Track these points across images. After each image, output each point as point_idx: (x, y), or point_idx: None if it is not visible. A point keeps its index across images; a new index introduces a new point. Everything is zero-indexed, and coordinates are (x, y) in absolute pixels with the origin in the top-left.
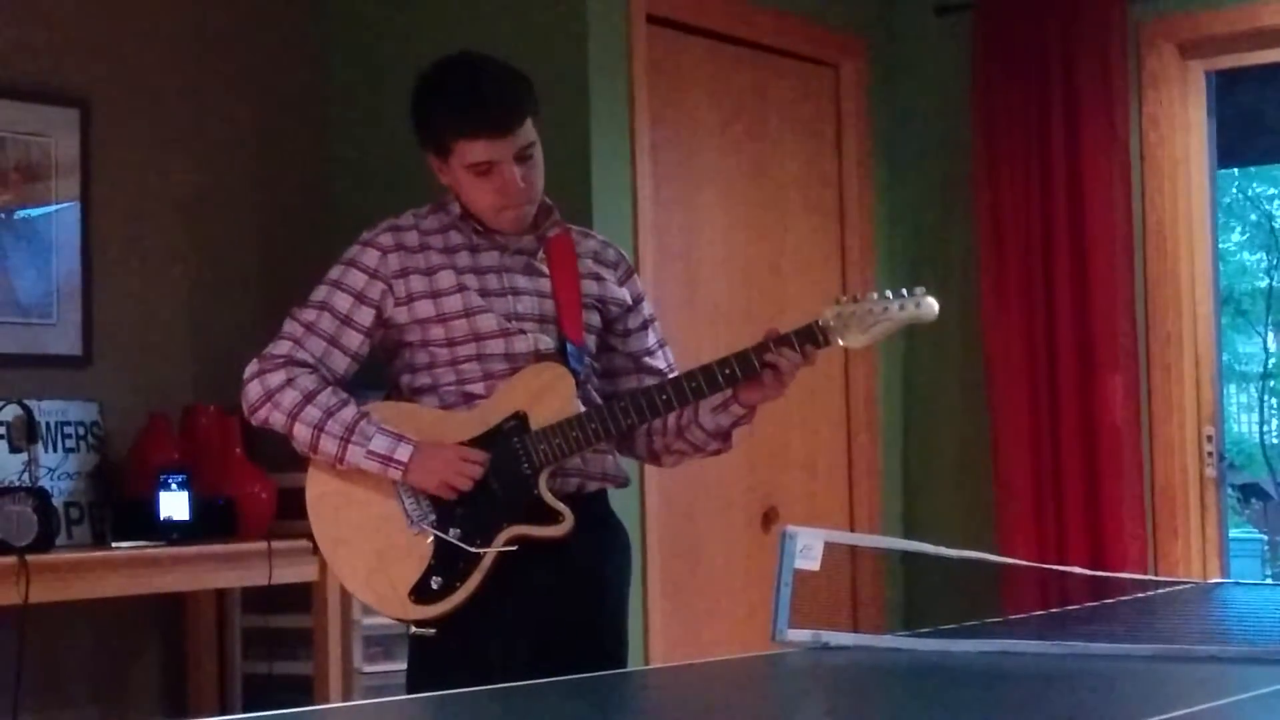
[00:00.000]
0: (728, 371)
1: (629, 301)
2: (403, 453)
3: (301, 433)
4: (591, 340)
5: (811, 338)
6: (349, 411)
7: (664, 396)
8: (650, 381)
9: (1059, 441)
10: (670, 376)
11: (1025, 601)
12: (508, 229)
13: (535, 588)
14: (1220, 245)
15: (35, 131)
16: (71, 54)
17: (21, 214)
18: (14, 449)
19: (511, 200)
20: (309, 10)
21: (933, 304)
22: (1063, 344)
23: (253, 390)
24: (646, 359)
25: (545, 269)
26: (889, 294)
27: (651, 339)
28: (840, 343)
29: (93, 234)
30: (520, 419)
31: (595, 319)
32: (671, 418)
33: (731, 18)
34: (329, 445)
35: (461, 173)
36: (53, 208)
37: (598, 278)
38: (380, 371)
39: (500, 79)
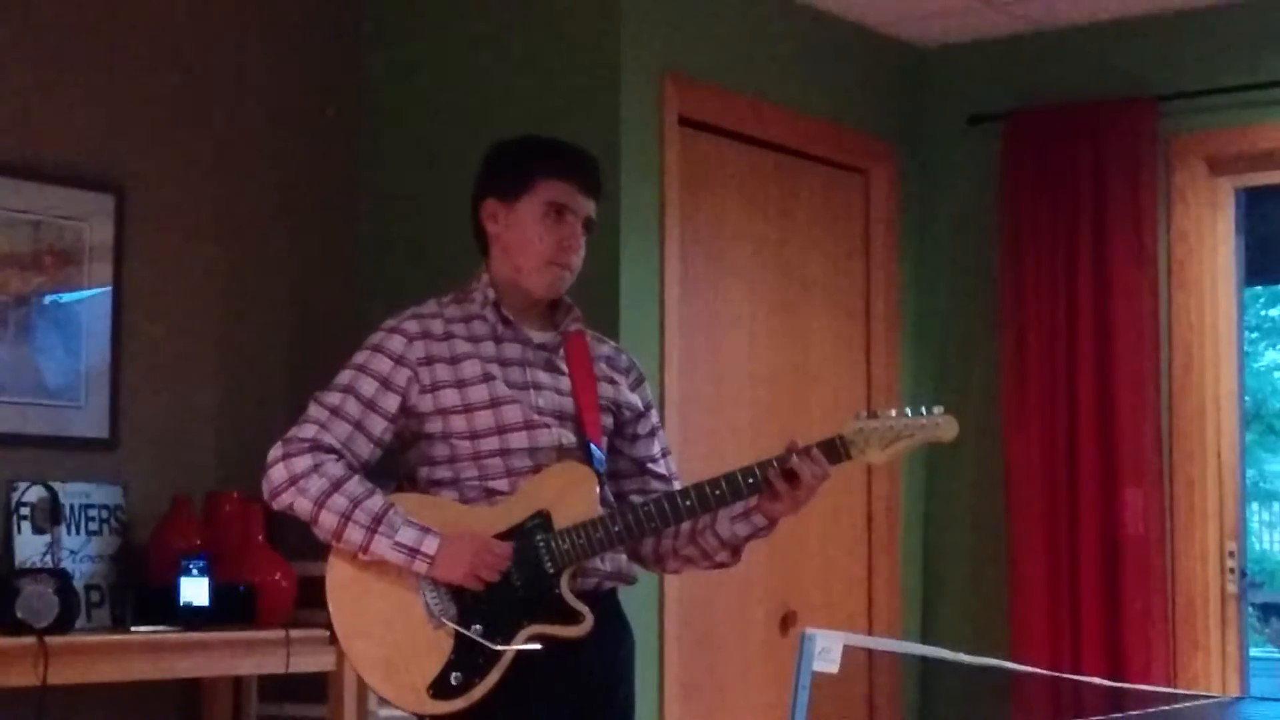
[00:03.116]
0: (750, 480)
1: (640, 408)
2: (429, 545)
3: (327, 520)
4: (604, 442)
5: (833, 452)
6: (376, 501)
7: (687, 502)
8: (655, 485)
9: (1078, 554)
10: (691, 484)
11: (1041, 712)
12: (544, 291)
13: (551, 685)
14: (1257, 363)
15: (70, 216)
16: (107, 139)
17: (53, 298)
18: (37, 530)
19: (564, 258)
20: (344, 100)
21: (953, 425)
22: (1085, 456)
23: (277, 474)
24: (650, 465)
25: (565, 367)
26: (908, 412)
27: (656, 447)
28: (860, 458)
29: (123, 319)
30: (544, 517)
31: (609, 421)
32: (688, 522)
33: (762, 121)
34: (355, 534)
35: (529, 213)
36: (85, 293)
37: (612, 381)
38: (390, 460)
39: (591, 154)
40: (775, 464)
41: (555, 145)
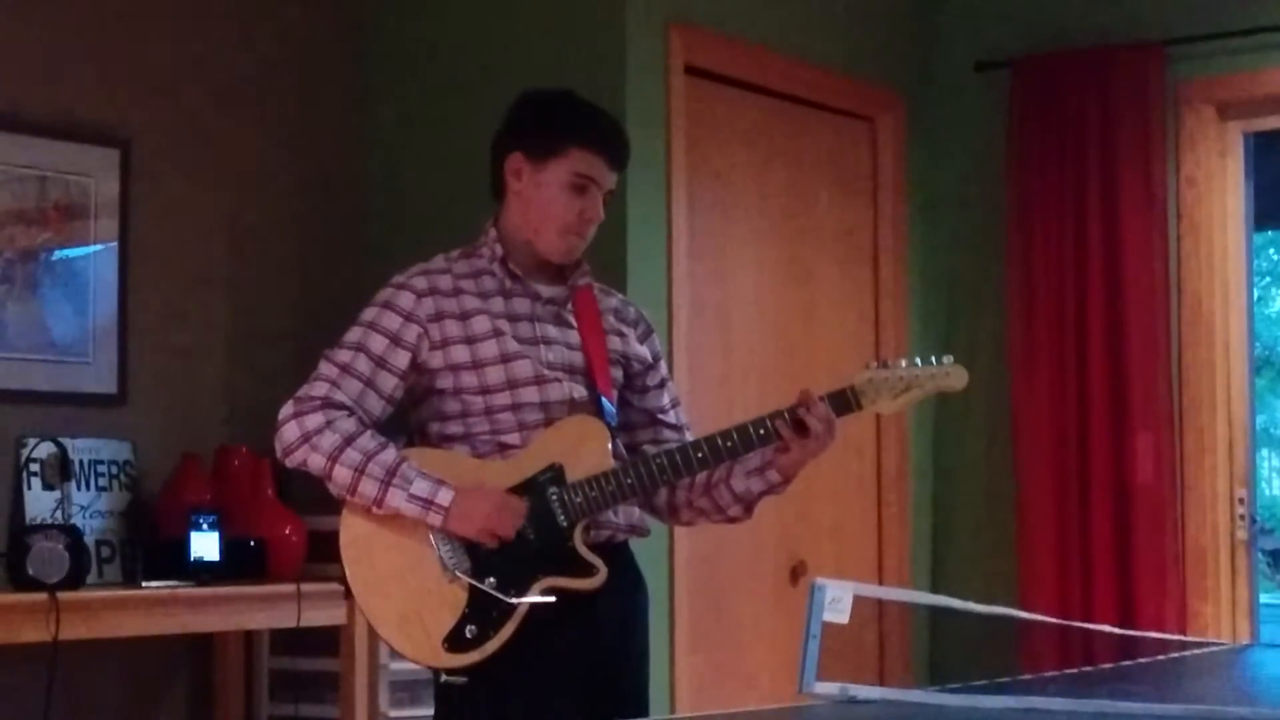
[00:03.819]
0: (761, 431)
1: (649, 359)
2: (444, 497)
3: (341, 475)
4: (615, 395)
5: (844, 402)
6: (389, 455)
7: (699, 455)
8: (667, 435)
9: (1088, 500)
10: (703, 436)
11: (1051, 660)
12: (559, 257)
13: (565, 638)
14: (1267, 308)
15: (76, 171)
16: (113, 94)
17: (60, 254)
18: (47, 486)
19: (583, 229)
20: (349, 53)
21: (963, 374)
22: (1094, 402)
23: (289, 432)
24: (661, 415)
25: (573, 321)
26: (919, 361)
27: (666, 398)
28: (871, 408)
29: (130, 274)
30: (557, 471)
31: (618, 374)
32: (702, 474)
33: (769, 70)
34: (369, 488)
35: (555, 181)
36: (91, 248)
37: (620, 334)
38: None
39: (622, 126)
40: (786, 415)
41: (592, 114)
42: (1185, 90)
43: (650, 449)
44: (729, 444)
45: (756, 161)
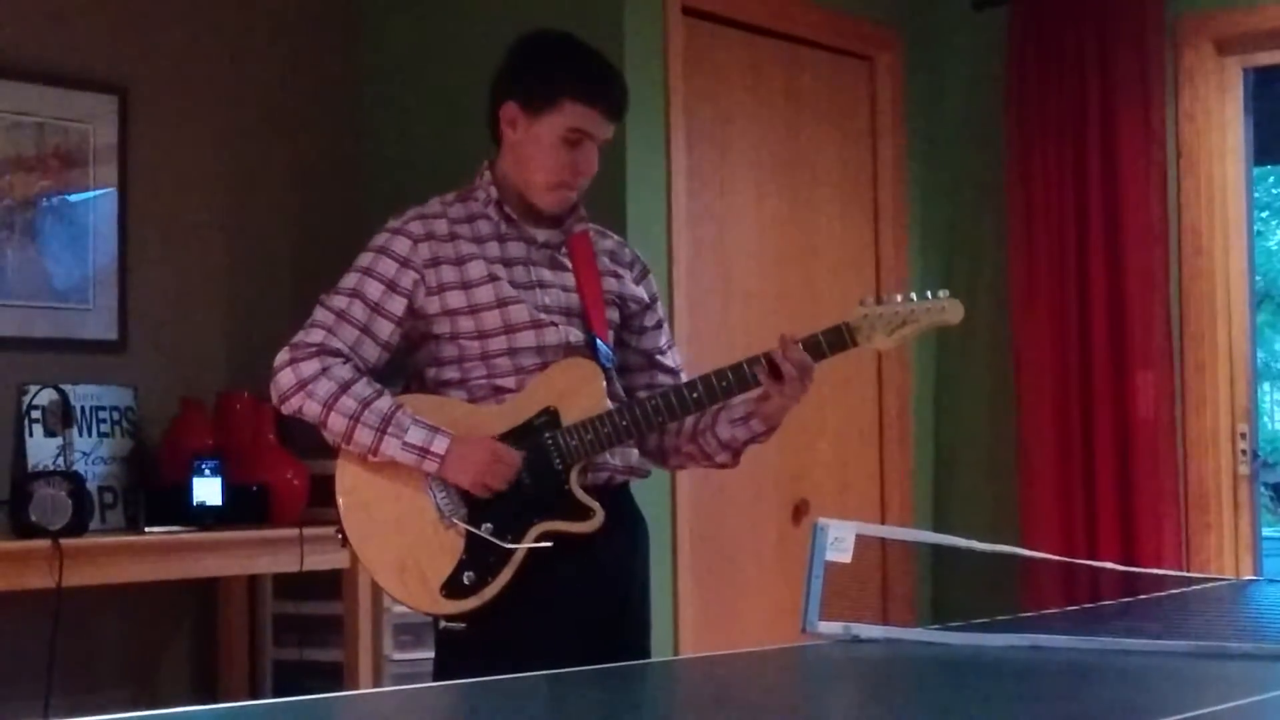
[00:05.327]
0: (756, 369)
1: (645, 300)
2: (439, 445)
3: (336, 423)
4: (610, 336)
5: (839, 339)
6: (384, 402)
7: (694, 394)
8: (663, 377)
9: (1089, 437)
10: (696, 376)
11: (1054, 598)
12: (551, 207)
13: (565, 582)
14: (1267, 242)
15: (74, 118)
16: (111, 41)
17: (59, 199)
18: (49, 433)
19: (575, 181)
20: None
21: (959, 308)
22: (1095, 340)
23: (284, 379)
24: (658, 357)
25: (569, 264)
26: (914, 296)
27: (663, 339)
28: (867, 345)
29: (129, 220)
30: (552, 414)
31: (615, 316)
32: (690, 418)
33: (767, 10)
34: (364, 436)
35: (549, 134)
36: (90, 194)
37: (616, 275)
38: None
39: (620, 74)
40: (762, 359)
41: (588, 65)
42: (1184, 26)
43: (645, 394)
44: (724, 384)
45: (755, 102)
